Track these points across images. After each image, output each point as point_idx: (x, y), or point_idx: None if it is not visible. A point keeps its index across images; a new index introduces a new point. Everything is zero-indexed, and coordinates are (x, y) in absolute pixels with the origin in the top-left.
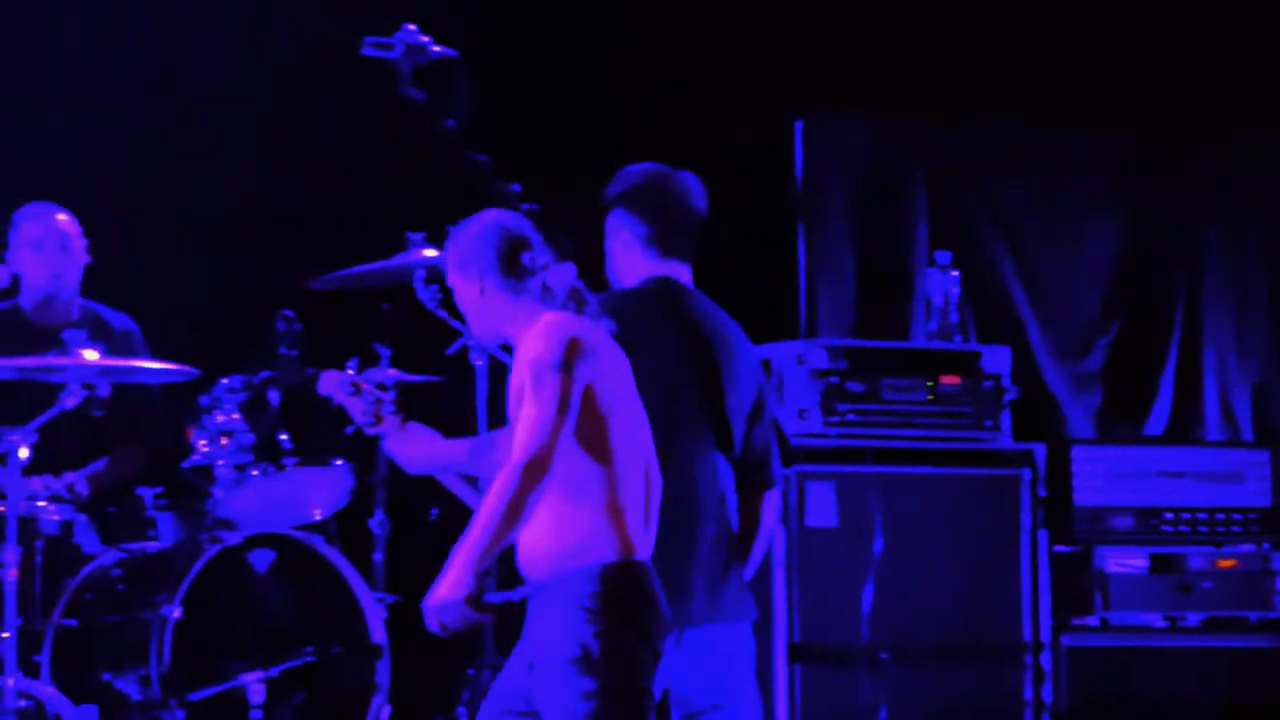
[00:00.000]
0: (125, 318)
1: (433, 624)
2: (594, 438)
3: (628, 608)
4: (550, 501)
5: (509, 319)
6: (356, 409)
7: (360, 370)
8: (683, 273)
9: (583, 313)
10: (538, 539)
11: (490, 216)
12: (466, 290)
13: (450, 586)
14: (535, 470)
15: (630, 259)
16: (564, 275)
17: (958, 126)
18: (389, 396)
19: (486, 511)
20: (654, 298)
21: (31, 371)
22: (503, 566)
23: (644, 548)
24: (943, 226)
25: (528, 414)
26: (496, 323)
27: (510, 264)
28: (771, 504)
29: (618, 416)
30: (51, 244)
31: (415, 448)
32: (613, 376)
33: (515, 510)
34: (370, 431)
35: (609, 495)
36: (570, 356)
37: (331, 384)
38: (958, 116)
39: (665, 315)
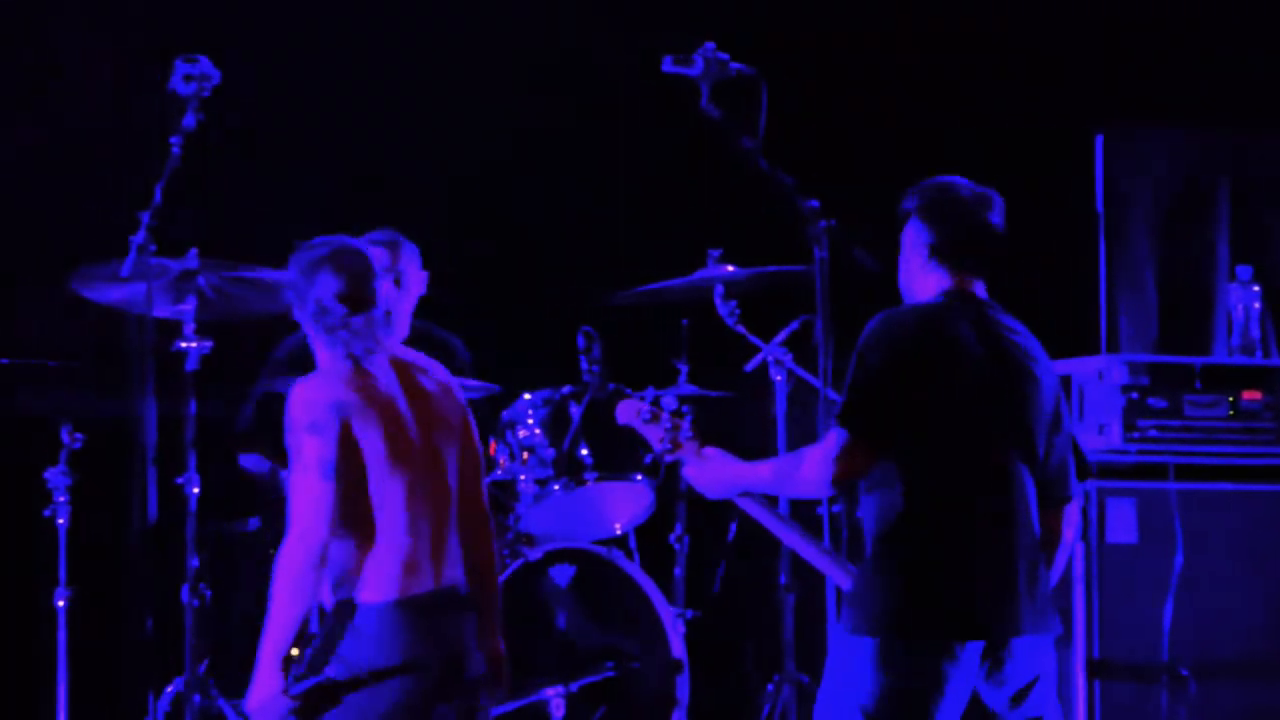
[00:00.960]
0: (450, 338)
1: None
2: (357, 485)
3: (357, 645)
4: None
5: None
6: (653, 436)
7: (657, 391)
8: (976, 286)
9: (369, 357)
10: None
11: (323, 250)
12: None
13: (262, 687)
14: (309, 539)
15: (922, 272)
16: (372, 315)
17: (1260, 138)
18: (685, 422)
19: (275, 599)
20: (948, 311)
21: None
22: None
23: (416, 586)
24: (1244, 240)
25: (293, 482)
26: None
27: (318, 306)
28: (1070, 519)
29: (387, 460)
30: (387, 279)
31: (713, 472)
32: (375, 419)
33: (301, 587)
34: (668, 459)
35: (373, 534)
36: (324, 416)
37: (628, 412)
38: (1260, 128)
39: (963, 328)
